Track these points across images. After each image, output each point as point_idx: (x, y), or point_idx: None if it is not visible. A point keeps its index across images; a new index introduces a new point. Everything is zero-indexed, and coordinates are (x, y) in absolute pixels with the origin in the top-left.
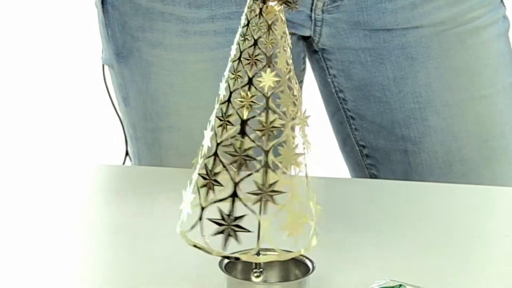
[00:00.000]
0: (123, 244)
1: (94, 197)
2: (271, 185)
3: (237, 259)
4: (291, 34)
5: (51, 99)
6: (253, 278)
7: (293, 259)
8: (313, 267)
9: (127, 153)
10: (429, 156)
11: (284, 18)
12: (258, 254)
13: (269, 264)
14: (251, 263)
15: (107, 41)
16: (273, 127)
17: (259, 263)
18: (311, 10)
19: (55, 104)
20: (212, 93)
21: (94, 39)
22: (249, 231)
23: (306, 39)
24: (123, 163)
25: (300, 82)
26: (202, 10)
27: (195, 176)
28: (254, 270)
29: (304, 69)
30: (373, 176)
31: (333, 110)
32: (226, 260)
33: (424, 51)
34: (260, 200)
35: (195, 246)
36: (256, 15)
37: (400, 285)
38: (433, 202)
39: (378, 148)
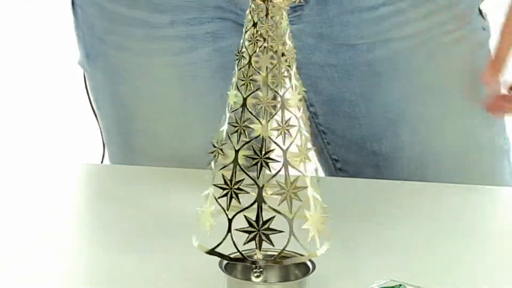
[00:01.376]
0: (123, 244)
1: (91, 197)
2: (292, 183)
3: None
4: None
5: (36, 99)
6: (253, 278)
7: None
8: (313, 267)
9: (104, 153)
10: (403, 171)
11: (286, 16)
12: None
13: (269, 264)
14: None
15: (79, 43)
16: (289, 125)
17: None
18: None
19: (40, 104)
20: (176, 98)
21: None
22: (281, 232)
23: None
24: (101, 161)
25: None
26: (164, 15)
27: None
28: (254, 270)
29: None
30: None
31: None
32: (225, 260)
33: (392, 67)
34: (285, 199)
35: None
36: (264, 15)
37: (400, 285)
38: (433, 202)
39: (350, 162)
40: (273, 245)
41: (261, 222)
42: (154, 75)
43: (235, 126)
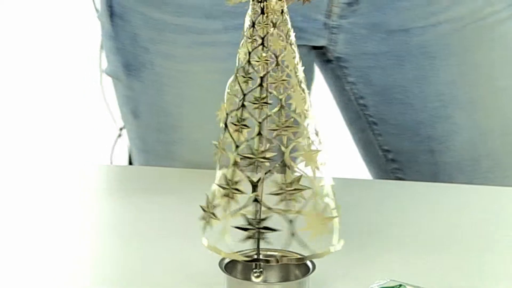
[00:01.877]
0: (123, 244)
1: (94, 197)
2: (291, 183)
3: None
4: (301, 46)
5: (38, 100)
6: (253, 278)
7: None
8: (313, 267)
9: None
10: (457, 154)
11: (287, 16)
12: (258, 254)
13: (269, 264)
14: (251, 263)
15: (114, 54)
16: (287, 126)
17: (259, 263)
18: (328, 17)
19: (41, 104)
20: (218, 105)
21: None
22: (278, 230)
23: (317, 48)
24: (129, 163)
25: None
26: (216, 21)
27: (214, 186)
28: (254, 270)
29: (312, 79)
30: (399, 180)
31: (352, 117)
32: (226, 260)
33: (444, 49)
34: (283, 199)
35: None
36: (260, 15)
37: (400, 285)
38: (433, 202)
39: (403, 151)
40: (269, 244)
41: (257, 220)
42: (200, 82)
43: (236, 125)
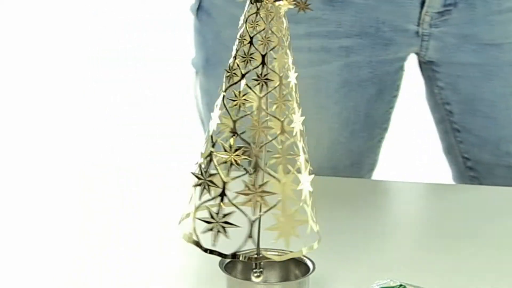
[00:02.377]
0: (124, 244)
1: (93, 198)
2: (261, 185)
3: (235, 257)
4: (385, 61)
5: (38, 100)
6: (253, 278)
7: (293, 259)
8: (313, 267)
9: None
10: None
11: (284, 18)
12: (258, 254)
13: (269, 264)
14: (251, 263)
15: (198, 47)
16: (265, 126)
17: (259, 263)
18: (418, 25)
19: (41, 105)
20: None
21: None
22: (238, 226)
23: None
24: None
25: (390, 108)
26: (300, 26)
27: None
28: (254, 270)
29: (396, 96)
30: None
31: (438, 118)
32: (226, 260)
33: None
34: (250, 200)
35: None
36: (253, 13)
37: (400, 285)
38: (433, 202)
39: (482, 162)
40: (227, 238)
41: (221, 215)
42: None
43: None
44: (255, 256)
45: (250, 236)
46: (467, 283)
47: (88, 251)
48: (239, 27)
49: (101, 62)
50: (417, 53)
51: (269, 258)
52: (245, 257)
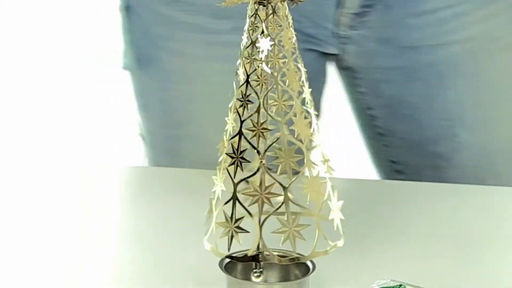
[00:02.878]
0: (124, 243)
1: (96, 198)
2: (267, 187)
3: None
4: (310, 50)
5: (50, 101)
6: (253, 278)
7: (293, 259)
8: (313, 267)
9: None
10: (461, 172)
11: (287, 13)
12: (258, 254)
13: (269, 264)
14: (251, 263)
15: (129, 46)
16: (264, 128)
17: (259, 263)
18: (336, 26)
19: (38, 105)
20: (224, 105)
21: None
22: (247, 232)
23: (331, 54)
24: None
25: (319, 94)
26: (225, 21)
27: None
28: (254, 270)
29: (324, 82)
30: None
31: (363, 125)
32: (226, 260)
33: (454, 69)
34: (257, 201)
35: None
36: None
37: (400, 285)
38: (433, 202)
39: (409, 164)
40: (239, 243)
41: (234, 219)
42: (209, 81)
43: (241, 101)
44: (281, 256)
45: (257, 238)
46: (467, 283)
47: (88, 251)
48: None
49: (101, 62)
50: (336, 57)
51: (296, 259)
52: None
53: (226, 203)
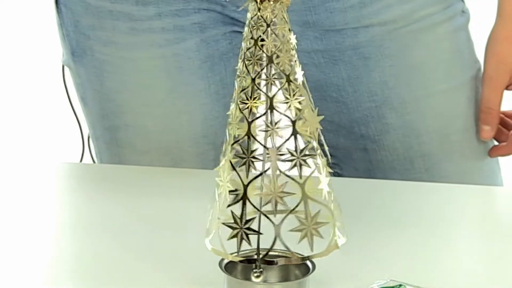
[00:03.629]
0: (123, 243)
1: (94, 197)
2: (280, 186)
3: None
4: (237, 32)
5: (16, 98)
6: (253, 278)
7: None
8: (313, 268)
9: (83, 152)
10: (390, 153)
11: (285, 17)
12: (258, 254)
13: (269, 264)
14: (251, 263)
15: (63, 41)
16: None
17: (259, 263)
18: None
19: (13, 103)
20: (163, 90)
21: (54, 39)
22: (259, 233)
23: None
24: (81, 160)
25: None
26: (149, 8)
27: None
28: (254, 270)
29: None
30: (336, 175)
31: None
32: (226, 260)
33: (377, 50)
34: (269, 201)
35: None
36: (255, 14)
37: (400, 285)
38: (433, 202)
39: (339, 147)
40: (249, 244)
41: (244, 220)
42: (140, 68)
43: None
44: (287, 256)
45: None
46: (467, 283)
47: (87, 251)
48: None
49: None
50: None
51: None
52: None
53: (231, 204)
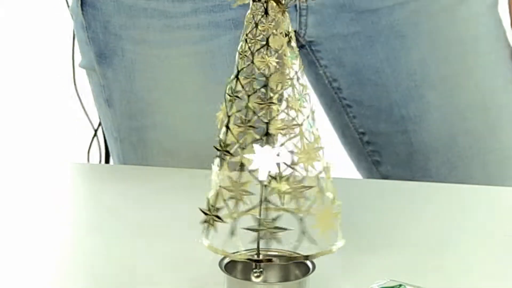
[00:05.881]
0: (122, 243)
1: (92, 197)
2: (299, 181)
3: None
4: None
5: (23, 99)
6: (253, 278)
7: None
8: (313, 267)
9: (107, 155)
10: (431, 133)
11: (288, 19)
12: (258, 254)
13: (269, 264)
14: (251, 263)
15: (87, 44)
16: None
17: (259, 263)
18: None
19: (24, 103)
20: (196, 88)
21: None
22: (289, 229)
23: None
24: (106, 161)
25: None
26: (185, 4)
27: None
28: (254, 270)
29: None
30: (375, 163)
31: (328, 102)
32: (226, 260)
33: (414, 28)
34: (293, 198)
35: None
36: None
37: (400, 285)
38: (433, 202)
39: (378, 133)
40: (279, 243)
41: (268, 220)
42: (173, 66)
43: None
44: (291, 255)
45: (303, 233)
46: (467, 283)
47: (86, 251)
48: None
49: (74, 58)
50: (297, 34)
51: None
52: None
53: (251, 209)
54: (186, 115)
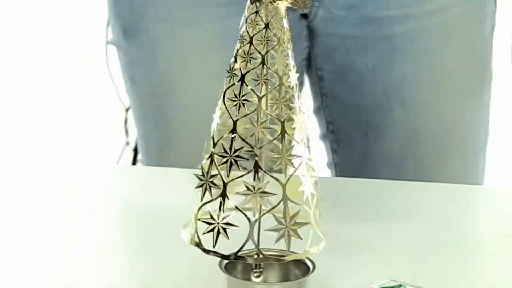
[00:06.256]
0: (122, 243)
1: (91, 197)
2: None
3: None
4: (293, 10)
5: (51, 99)
6: (253, 278)
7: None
8: (313, 267)
9: (135, 152)
10: (386, 146)
11: (284, 18)
12: (258, 254)
13: (269, 264)
14: (252, 263)
15: (115, 20)
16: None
17: (259, 263)
18: None
19: (56, 104)
20: (217, 68)
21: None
22: (237, 227)
23: (303, 16)
24: (133, 163)
25: (304, 60)
26: None
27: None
28: (254, 270)
29: (306, 47)
30: (333, 150)
31: (311, 82)
32: (226, 260)
33: (408, 44)
34: (250, 201)
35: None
36: (253, 13)
37: (400, 285)
38: (434, 202)
39: (342, 128)
40: (227, 239)
41: (222, 216)
42: (194, 45)
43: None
44: (256, 256)
45: (250, 236)
46: (467, 283)
47: (86, 251)
48: (239, 27)
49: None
50: (305, 18)
51: (269, 259)
52: (244, 257)
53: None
54: (206, 94)
